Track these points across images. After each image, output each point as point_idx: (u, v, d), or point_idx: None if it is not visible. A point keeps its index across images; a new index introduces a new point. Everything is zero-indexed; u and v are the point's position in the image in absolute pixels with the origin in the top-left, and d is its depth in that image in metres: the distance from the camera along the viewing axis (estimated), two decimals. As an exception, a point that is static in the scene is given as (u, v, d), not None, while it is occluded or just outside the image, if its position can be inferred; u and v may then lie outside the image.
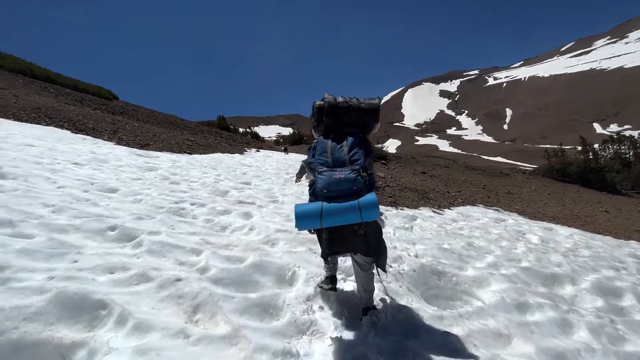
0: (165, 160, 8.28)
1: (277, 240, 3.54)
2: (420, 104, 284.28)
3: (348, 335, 2.02)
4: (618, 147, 25.01)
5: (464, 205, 8.95)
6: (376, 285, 2.46)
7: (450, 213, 7.49)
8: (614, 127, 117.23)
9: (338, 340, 1.93)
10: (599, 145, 25.36)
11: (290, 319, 2.10)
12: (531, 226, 7.37)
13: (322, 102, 2.28)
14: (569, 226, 8.14)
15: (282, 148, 21.89)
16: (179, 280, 2.24)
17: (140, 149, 9.40)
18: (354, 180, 1.91)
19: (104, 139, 9.52)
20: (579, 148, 23.24)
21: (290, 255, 3.10)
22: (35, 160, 5.12)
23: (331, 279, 2.44)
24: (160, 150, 10.07)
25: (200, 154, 11.38)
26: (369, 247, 2.00)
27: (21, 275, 1.96)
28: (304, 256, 3.16)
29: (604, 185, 18.30)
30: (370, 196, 1.85)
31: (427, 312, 2.48)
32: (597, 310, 3.16)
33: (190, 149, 11.65)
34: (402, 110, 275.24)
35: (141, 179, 5.54)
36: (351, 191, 1.90)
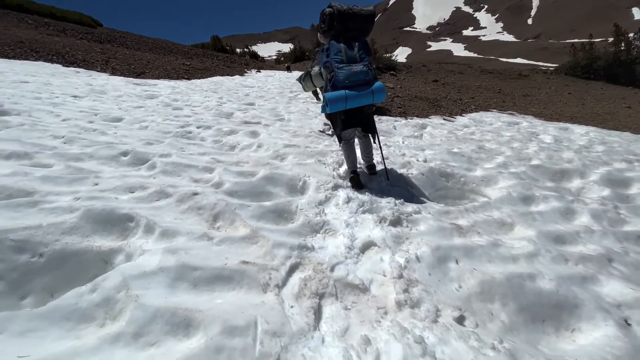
0: (164, 87, 7.99)
1: (286, 155, 3.58)
2: (434, 1, 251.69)
3: (358, 230, 2.18)
4: (657, 35, 22.26)
5: (477, 112, 8.63)
6: (384, 183, 2.99)
7: (461, 120, 7.28)
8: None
9: (350, 235, 2.09)
10: (634, 34, 22.60)
11: (304, 220, 2.25)
12: (546, 127, 7.16)
13: (332, 9, 2.68)
14: (586, 125, 7.87)
15: (285, 66, 20.58)
16: (196, 194, 2.35)
17: (136, 77, 9.01)
18: (367, 72, 2.58)
19: (97, 70, 9.09)
20: (610, 40, 20.85)
21: (300, 167, 3.16)
22: (33, 95, 5.02)
23: (354, 172, 2.88)
24: (157, 77, 9.63)
25: (199, 78, 10.86)
26: (366, 125, 2.86)
27: (49, 198, 2.08)
28: (314, 167, 3.23)
29: (631, 80, 17.02)
30: (379, 83, 2.60)
31: (434, 208, 2.60)
32: (602, 198, 3.25)
33: (188, 74, 11.10)
34: (413, 12, 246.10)
35: (143, 106, 5.43)
36: (365, 81, 2.58)
